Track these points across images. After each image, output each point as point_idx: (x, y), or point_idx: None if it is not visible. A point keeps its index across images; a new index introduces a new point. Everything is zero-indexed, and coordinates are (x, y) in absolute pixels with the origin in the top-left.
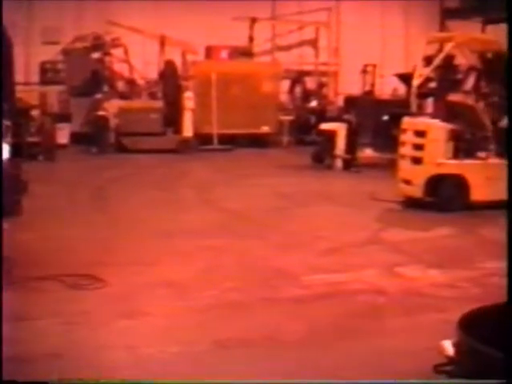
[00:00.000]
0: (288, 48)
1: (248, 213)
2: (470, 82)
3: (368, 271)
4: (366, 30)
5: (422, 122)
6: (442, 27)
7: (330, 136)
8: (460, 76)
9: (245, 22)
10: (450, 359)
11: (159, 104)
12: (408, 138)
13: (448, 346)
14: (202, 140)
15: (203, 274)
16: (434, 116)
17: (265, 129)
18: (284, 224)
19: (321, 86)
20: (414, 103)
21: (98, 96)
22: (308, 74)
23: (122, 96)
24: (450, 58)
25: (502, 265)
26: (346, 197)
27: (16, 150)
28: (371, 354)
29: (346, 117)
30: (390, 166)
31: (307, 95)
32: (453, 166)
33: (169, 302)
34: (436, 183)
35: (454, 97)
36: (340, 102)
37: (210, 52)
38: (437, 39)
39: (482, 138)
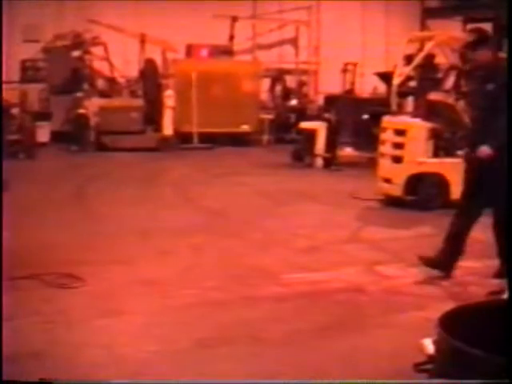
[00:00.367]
0: (268, 47)
1: (228, 211)
2: (450, 81)
3: (348, 269)
4: (346, 28)
5: (402, 120)
6: (423, 26)
7: (310, 135)
8: (440, 75)
9: (225, 21)
10: (431, 358)
11: (139, 102)
12: (388, 136)
13: (428, 345)
14: (183, 138)
15: (183, 273)
16: (414, 115)
17: (245, 127)
18: (264, 222)
19: (301, 84)
20: (394, 102)
21: (79, 94)
22: (288, 72)
23: (103, 94)
24: (430, 57)
25: (483, 263)
26: (326, 195)
27: None
28: (352, 353)
29: (326, 115)
30: (370, 165)
31: (287, 94)
32: (433, 165)
33: (148, 301)
34: (416, 182)
35: (434, 96)
36: (320, 100)
37: (190, 50)
38: (417, 38)
39: (463, 136)
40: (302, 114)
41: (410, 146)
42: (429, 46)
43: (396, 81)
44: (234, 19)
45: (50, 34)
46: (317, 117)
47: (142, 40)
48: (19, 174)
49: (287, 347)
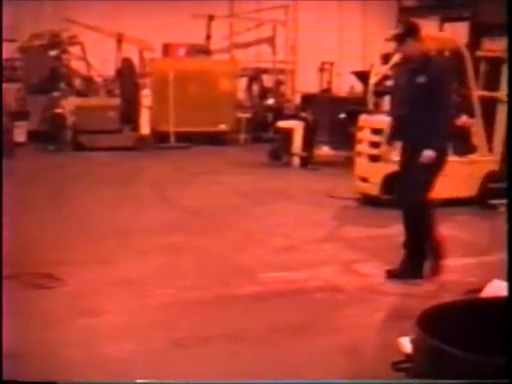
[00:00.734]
0: (245, 46)
1: (205, 210)
2: None
3: (325, 268)
4: (323, 27)
5: (379, 119)
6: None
7: (287, 134)
8: None
9: (202, 20)
10: (408, 356)
11: (116, 101)
12: (365, 135)
13: (406, 343)
14: (160, 138)
15: (161, 272)
16: (391, 114)
17: (222, 127)
18: (241, 221)
19: (278, 83)
20: (370, 101)
21: (56, 94)
22: (265, 71)
23: (80, 93)
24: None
25: (461, 262)
26: (303, 194)
27: None
28: (330, 351)
29: (303, 114)
30: (347, 164)
31: (264, 93)
32: None
33: (126, 300)
34: (393, 181)
35: None
36: (297, 99)
37: (167, 50)
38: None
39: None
40: (279, 113)
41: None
42: None
43: (373, 80)
44: (211, 18)
45: (27, 34)
46: (294, 116)
47: (119, 39)
48: None
49: (265, 346)
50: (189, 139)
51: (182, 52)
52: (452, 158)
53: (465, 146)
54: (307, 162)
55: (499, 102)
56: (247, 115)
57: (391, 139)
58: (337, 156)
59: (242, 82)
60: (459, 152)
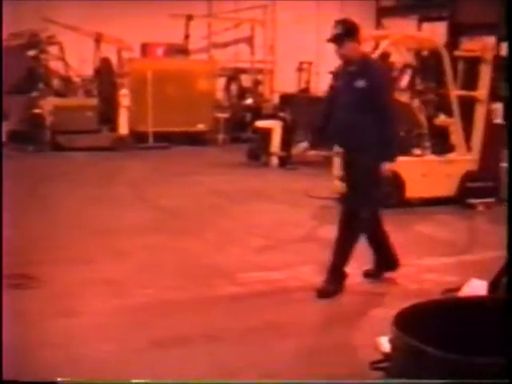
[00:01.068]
0: (224, 46)
1: (184, 210)
2: (405, 80)
3: (304, 268)
4: (301, 27)
5: None
6: (378, 25)
7: (266, 133)
8: (395, 74)
9: (181, 20)
10: (387, 356)
11: (95, 102)
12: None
13: (384, 343)
14: (138, 138)
15: (139, 272)
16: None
17: (200, 126)
18: (220, 221)
19: (256, 83)
20: None
21: (34, 94)
22: (244, 71)
23: (58, 94)
24: (385, 56)
25: (439, 261)
26: (282, 194)
27: None
28: (309, 351)
29: (281, 114)
30: (326, 164)
31: (243, 93)
32: None
33: (105, 301)
34: None
35: None
36: (276, 99)
37: (145, 49)
38: (373, 37)
39: (418, 135)
40: (257, 112)
41: None
42: (384, 45)
43: None
44: (189, 18)
45: (5, 33)
46: (272, 116)
47: (98, 39)
48: None
49: (243, 346)
50: (167, 139)
51: (160, 52)
52: (431, 158)
53: (443, 145)
54: (286, 161)
55: (477, 101)
56: (225, 115)
57: (316, 142)
58: (315, 156)
59: (221, 82)
60: (438, 151)
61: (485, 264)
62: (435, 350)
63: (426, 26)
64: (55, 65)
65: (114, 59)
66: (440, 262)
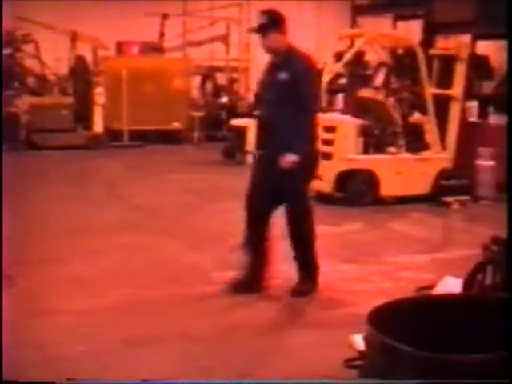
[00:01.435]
0: (199, 44)
1: (159, 209)
2: (380, 78)
3: (279, 266)
4: None
5: (332, 117)
6: (354, 23)
7: (241, 132)
8: (370, 72)
9: (156, 18)
10: (361, 354)
11: (70, 100)
12: (318, 133)
13: (358, 341)
14: (113, 136)
15: (114, 271)
16: (344, 112)
17: (176, 125)
18: (195, 220)
19: (232, 81)
20: (324, 99)
21: (9, 92)
22: (219, 69)
23: (33, 92)
24: (360, 54)
25: (413, 259)
26: None
27: None
28: (283, 350)
29: (256, 112)
30: None
31: (218, 91)
32: (363, 162)
33: (79, 299)
34: (346, 178)
35: (364, 92)
36: (251, 97)
37: (121, 48)
38: (348, 35)
39: (392, 133)
40: (232, 111)
41: (340, 142)
42: (359, 43)
43: (326, 78)
44: (165, 16)
45: None
46: (247, 114)
47: (73, 38)
48: None
49: (219, 345)
50: (142, 137)
51: (135, 50)
52: (405, 156)
53: (418, 143)
54: None
55: (452, 99)
56: (201, 113)
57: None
58: None
59: (196, 80)
60: (412, 149)
61: (459, 262)
62: (409, 348)
63: (401, 24)
64: (31, 63)
65: (89, 57)
66: (414, 260)
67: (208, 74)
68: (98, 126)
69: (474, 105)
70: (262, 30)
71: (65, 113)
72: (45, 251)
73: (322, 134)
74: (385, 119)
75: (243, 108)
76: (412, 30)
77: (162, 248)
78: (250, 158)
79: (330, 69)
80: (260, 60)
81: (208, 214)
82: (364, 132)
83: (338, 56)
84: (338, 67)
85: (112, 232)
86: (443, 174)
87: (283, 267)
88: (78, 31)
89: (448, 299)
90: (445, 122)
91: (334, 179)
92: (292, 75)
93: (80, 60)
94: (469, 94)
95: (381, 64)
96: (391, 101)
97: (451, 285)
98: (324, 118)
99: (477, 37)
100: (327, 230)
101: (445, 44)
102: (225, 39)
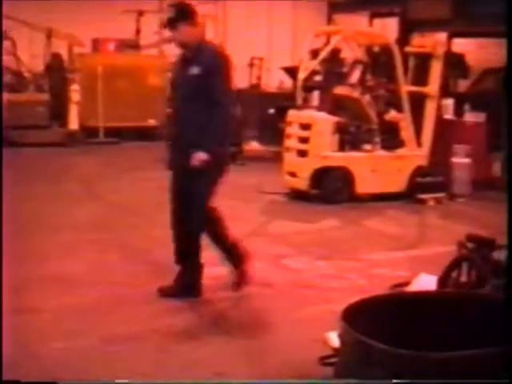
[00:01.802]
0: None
1: (134, 206)
2: (355, 76)
3: (254, 263)
4: (253, 23)
5: (308, 114)
6: (330, 21)
7: None
8: (346, 69)
9: (132, 15)
10: (336, 351)
11: (45, 97)
12: (293, 130)
13: (333, 338)
14: (89, 133)
15: (89, 268)
16: (319, 109)
17: (151, 122)
18: (169, 217)
19: None
20: (299, 96)
21: None
22: None
23: (9, 89)
24: (336, 52)
25: (387, 256)
26: (232, 190)
27: None
28: (258, 347)
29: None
30: (276, 159)
31: None
32: (338, 159)
33: (55, 297)
34: (321, 176)
35: (339, 90)
36: None
37: (96, 45)
38: (324, 32)
39: (368, 130)
40: None
41: (315, 139)
42: (335, 41)
43: (301, 75)
44: (140, 13)
45: None
46: None
47: (49, 34)
48: None
49: (194, 342)
50: (118, 134)
51: (111, 47)
52: (381, 153)
53: (393, 140)
54: (236, 157)
55: (428, 97)
56: None
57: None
58: (266, 151)
59: None
60: (388, 147)
61: (434, 259)
62: (383, 345)
63: (377, 21)
64: (6, 60)
65: (65, 55)
66: (389, 257)
67: None
68: (74, 123)
69: (449, 102)
70: (172, 23)
71: (40, 110)
72: (20, 249)
73: (298, 131)
74: (360, 117)
75: None
76: (388, 28)
77: (138, 245)
78: None
79: (305, 66)
80: (236, 57)
81: None
82: (339, 129)
83: (314, 53)
84: (314, 64)
85: (87, 229)
86: (419, 172)
87: (255, 265)
88: (54, 28)
89: (423, 296)
90: (420, 120)
91: (310, 176)
92: (203, 69)
93: (56, 57)
94: (444, 91)
95: (357, 61)
96: (367, 98)
97: (426, 282)
98: (299, 115)
99: (453, 35)
100: (302, 227)
101: (421, 42)
102: None
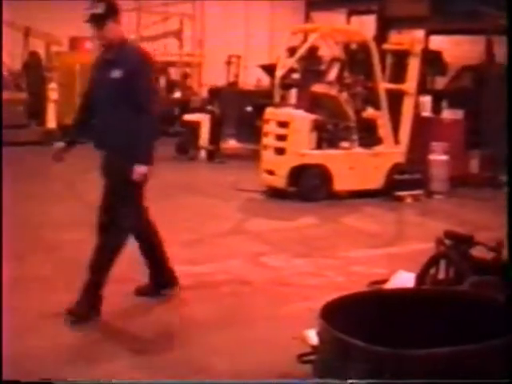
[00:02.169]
0: (152, 39)
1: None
2: (333, 73)
3: (232, 262)
4: (230, 21)
5: (285, 112)
6: (307, 18)
7: (194, 127)
8: (323, 67)
9: None
10: (314, 348)
11: (23, 96)
12: (271, 128)
13: (312, 336)
14: (66, 132)
15: (68, 268)
16: (297, 107)
17: None
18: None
19: (185, 76)
20: (277, 94)
21: None
22: (172, 64)
23: None
24: (313, 49)
25: (365, 253)
26: (210, 188)
27: None
28: (237, 345)
29: (209, 108)
30: (254, 157)
31: (171, 86)
32: (316, 156)
33: (35, 296)
34: (299, 173)
35: (317, 87)
36: (204, 93)
37: (74, 43)
38: (301, 30)
39: (345, 128)
40: (185, 106)
41: (293, 137)
42: (312, 38)
43: (279, 73)
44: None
45: None
46: (200, 109)
47: (26, 33)
48: None
49: (171, 342)
50: None
51: (89, 45)
52: (358, 151)
53: (371, 138)
54: (214, 155)
55: (405, 94)
56: None
57: (73, 138)
58: (243, 149)
59: None
60: (365, 144)
61: (412, 256)
62: (362, 343)
63: (354, 19)
64: None
65: (42, 53)
66: (367, 254)
67: (161, 68)
68: (51, 122)
69: (427, 100)
70: (99, 20)
71: (18, 109)
72: (1, 248)
73: (276, 129)
74: (338, 114)
75: (196, 103)
76: (366, 25)
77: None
78: (202, 154)
79: (283, 64)
80: (214, 55)
81: (161, 209)
82: (317, 127)
83: (292, 51)
84: (292, 62)
85: (66, 228)
86: (396, 169)
87: (233, 263)
88: (32, 27)
89: (401, 294)
90: (398, 117)
91: (287, 174)
92: (125, 73)
93: (33, 56)
94: (422, 89)
95: (334, 59)
96: (344, 96)
97: (404, 279)
98: (277, 113)
99: (430, 32)
100: (280, 224)
101: (398, 39)
102: (178, 34)
